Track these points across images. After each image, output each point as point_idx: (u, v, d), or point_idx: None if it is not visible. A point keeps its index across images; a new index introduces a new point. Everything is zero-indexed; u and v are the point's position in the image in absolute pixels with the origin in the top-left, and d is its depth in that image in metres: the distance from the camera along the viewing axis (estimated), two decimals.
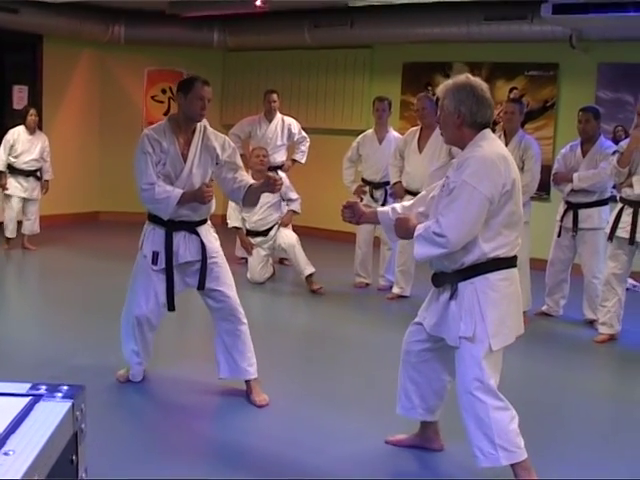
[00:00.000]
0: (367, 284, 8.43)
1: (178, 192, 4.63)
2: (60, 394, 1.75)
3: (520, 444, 3.67)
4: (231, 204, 8.76)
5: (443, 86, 3.74)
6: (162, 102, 12.45)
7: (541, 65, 9.80)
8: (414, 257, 3.72)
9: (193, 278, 4.84)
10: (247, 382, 4.81)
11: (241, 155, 9.02)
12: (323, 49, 11.27)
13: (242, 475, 3.86)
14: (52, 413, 1.64)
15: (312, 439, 4.33)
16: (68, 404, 1.70)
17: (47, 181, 9.71)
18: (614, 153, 6.56)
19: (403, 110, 10.78)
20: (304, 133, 9.21)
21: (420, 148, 7.57)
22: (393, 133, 8.34)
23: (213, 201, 4.83)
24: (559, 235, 7.21)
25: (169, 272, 4.81)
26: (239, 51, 12.28)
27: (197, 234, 4.80)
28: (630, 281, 7.87)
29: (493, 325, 3.61)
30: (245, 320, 4.85)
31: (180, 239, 4.79)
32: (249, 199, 4.82)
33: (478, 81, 3.70)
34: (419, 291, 7.69)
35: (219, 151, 4.79)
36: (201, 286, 4.79)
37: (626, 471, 4.16)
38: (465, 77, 3.72)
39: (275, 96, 9.09)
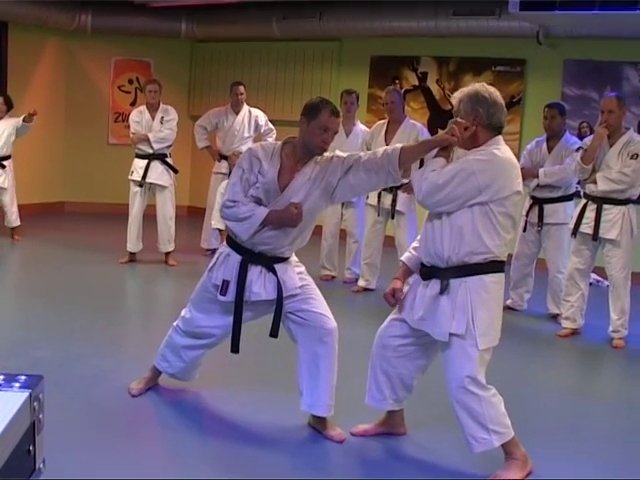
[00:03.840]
0: (333, 277, 8.44)
1: (263, 210, 4.13)
2: (17, 384, 1.74)
3: (508, 424, 3.84)
4: (217, 205, 8.73)
5: (459, 92, 3.90)
6: (129, 92, 12.35)
7: (508, 61, 9.85)
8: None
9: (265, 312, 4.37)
10: None
11: (207, 147, 9.16)
12: (291, 41, 11.24)
13: (207, 469, 3.85)
14: (9, 403, 1.63)
15: (279, 433, 4.33)
16: (25, 394, 1.69)
17: None
18: (578, 149, 6.61)
19: (370, 103, 10.78)
20: (271, 125, 9.19)
21: (387, 141, 7.56)
22: (360, 126, 8.34)
23: (305, 235, 4.30)
24: (524, 230, 7.25)
25: (238, 308, 4.27)
26: (207, 42, 12.21)
27: (275, 272, 4.22)
28: (593, 276, 7.93)
29: (483, 325, 3.73)
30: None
31: (255, 273, 4.23)
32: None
33: (492, 88, 3.88)
34: (385, 284, 7.64)
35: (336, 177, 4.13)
36: (274, 333, 4.23)
37: (588, 464, 4.19)
38: (481, 85, 3.88)
39: (242, 88, 9.06)
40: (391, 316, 4.12)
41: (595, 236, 6.43)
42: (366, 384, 4.22)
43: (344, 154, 4.20)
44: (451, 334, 3.74)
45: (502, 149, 3.79)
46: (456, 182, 3.67)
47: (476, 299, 3.73)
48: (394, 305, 4.04)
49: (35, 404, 1.72)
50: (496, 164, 3.71)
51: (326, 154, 4.18)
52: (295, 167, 4.16)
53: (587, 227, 6.47)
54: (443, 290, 3.77)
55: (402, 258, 4.14)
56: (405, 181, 4.42)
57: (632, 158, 6.26)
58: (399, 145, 4.09)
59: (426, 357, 4.10)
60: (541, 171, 6.97)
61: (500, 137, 3.85)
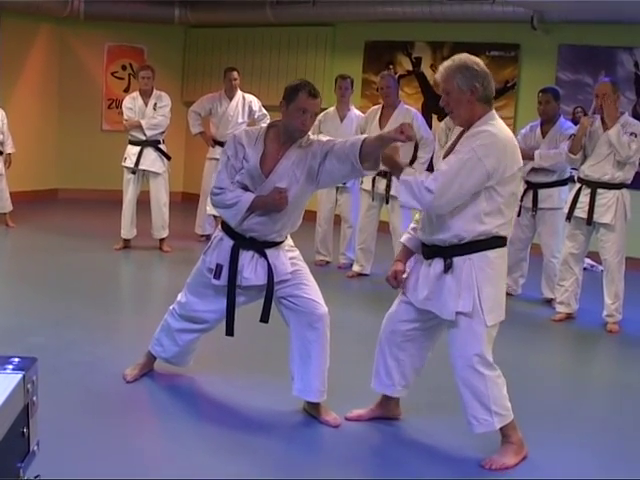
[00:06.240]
0: (327, 262, 8.43)
1: (250, 195, 4.13)
2: (11, 366, 1.73)
3: (509, 406, 3.85)
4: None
5: (446, 68, 3.77)
6: (122, 78, 12.30)
7: (502, 45, 9.84)
8: (400, 202, 3.77)
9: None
10: None
11: (201, 133, 9.14)
12: (285, 26, 11.21)
13: (202, 454, 3.85)
14: (2, 385, 1.62)
15: (274, 418, 4.32)
16: (19, 376, 1.68)
17: (9, 154, 9.58)
18: (571, 137, 6.60)
19: (365, 88, 10.76)
20: (264, 110, 9.16)
21: (382, 126, 7.56)
22: (355, 111, 8.33)
23: (295, 220, 4.29)
24: (519, 215, 7.22)
25: (231, 292, 4.28)
26: (200, 27, 12.18)
27: (266, 257, 4.22)
28: (587, 261, 7.94)
29: (489, 301, 3.72)
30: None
31: (247, 258, 4.23)
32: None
33: (476, 58, 3.81)
34: (379, 269, 7.71)
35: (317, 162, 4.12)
36: (264, 318, 4.26)
37: (582, 447, 4.21)
38: (465, 56, 3.81)
39: (235, 74, 9.03)
40: (397, 300, 4.09)
41: (589, 220, 6.43)
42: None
43: (325, 139, 4.20)
44: (458, 312, 3.72)
45: (497, 125, 3.73)
46: (465, 173, 3.60)
47: (481, 276, 3.70)
48: (396, 287, 4.01)
49: (29, 386, 1.72)
50: (498, 145, 3.66)
51: (311, 137, 4.18)
52: (279, 151, 4.16)
53: (581, 212, 6.46)
54: (447, 268, 3.73)
55: (402, 239, 4.12)
56: (369, 173, 4.37)
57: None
58: (363, 136, 4.10)
59: (432, 339, 4.08)
60: (537, 153, 6.94)
61: (494, 111, 3.80)
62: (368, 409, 4.31)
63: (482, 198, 3.67)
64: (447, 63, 3.80)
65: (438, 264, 3.78)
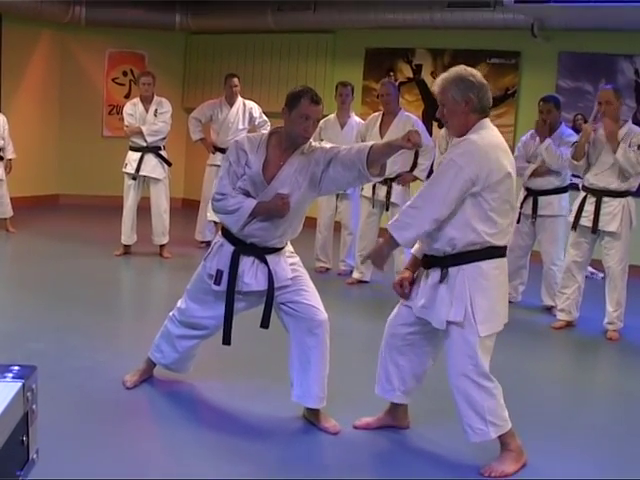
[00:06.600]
0: (327, 269, 8.44)
1: (252, 202, 4.14)
2: (11, 374, 1.73)
3: (506, 416, 3.84)
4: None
5: (442, 80, 3.82)
6: (123, 84, 12.33)
7: (503, 53, 9.84)
8: (403, 246, 3.78)
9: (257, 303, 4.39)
10: None
11: (202, 139, 9.14)
12: (286, 33, 11.23)
13: (201, 460, 3.85)
14: (2, 393, 1.62)
15: (273, 424, 4.32)
16: (18, 384, 1.68)
17: (10, 160, 9.60)
18: (574, 144, 6.58)
19: (365, 96, 10.77)
20: (265, 117, 9.18)
21: (382, 133, 7.57)
22: (355, 118, 8.34)
23: (296, 226, 4.30)
24: (518, 222, 7.21)
25: (229, 301, 4.28)
26: (201, 34, 12.19)
27: (266, 262, 4.22)
28: (589, 269, 7.93)
29: (482, 312, 3.71)
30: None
31: (247, 264, 4.23)
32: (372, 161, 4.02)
33: (473, 70, 3.84)
34: (379, 276, 7.71)
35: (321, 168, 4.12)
36: (264, 323, 4.25)
37: (582, 455, 4.20)
38: (462, 68, 3.83)
39: (236, 80, 9.04)
40: (399, 305, 4.10)
41: (594, 229, 6.41)
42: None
43: (328, 145, 4.21)
44: (450, 322, 3.72)
45: (484, 133, 3.73)
46: (448, 183, 3.63)
47: (474, 286, 3.70)
48: (401, 296, 4.01)
49: (28, 394, 1.72)
50: (478, 151, 3.65)
51: (313, 144, 4.18)
52: (281, 158, 4.16)
53: (586, 220, 6.44)
54: (442, 278, 3.75)
55: (412, 249, 4.13)
56: (376, 179, 4.38)
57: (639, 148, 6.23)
58: (370, 143, 4.11)
59: (433, 345, 4.06)
60: (548, 140, 6.87)
61: (486, 120, 3.80)
62: (376, 417, 4.30)
63: (468, 204, 3.67)
64: (444, 75, 3.84)
65: (435, 274, 3.80)
